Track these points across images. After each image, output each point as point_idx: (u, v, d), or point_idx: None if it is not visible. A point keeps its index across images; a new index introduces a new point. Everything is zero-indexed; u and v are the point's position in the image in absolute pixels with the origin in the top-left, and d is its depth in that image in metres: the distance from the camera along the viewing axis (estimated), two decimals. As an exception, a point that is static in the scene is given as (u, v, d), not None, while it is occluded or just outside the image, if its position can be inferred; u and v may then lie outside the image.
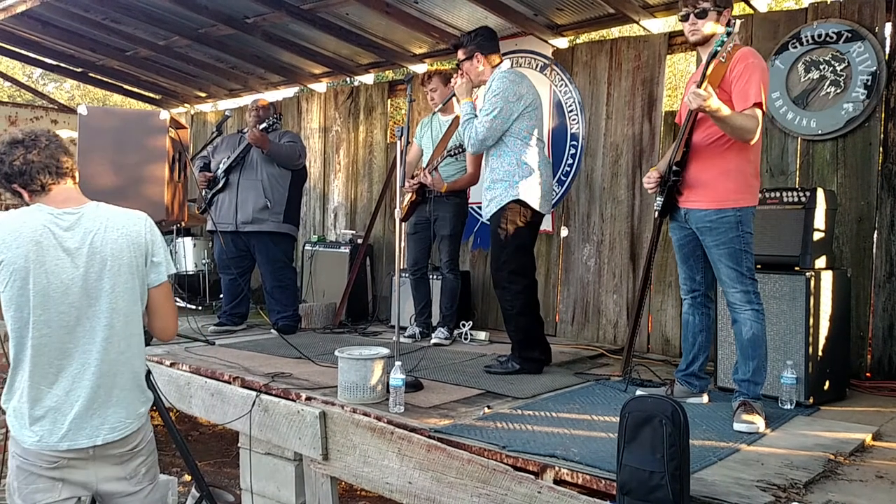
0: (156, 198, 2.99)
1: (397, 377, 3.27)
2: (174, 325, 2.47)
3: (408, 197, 5.15)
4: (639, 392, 3.63)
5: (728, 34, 2.89)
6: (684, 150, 3.15)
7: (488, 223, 5.88)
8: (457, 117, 4.94)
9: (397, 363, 3.32)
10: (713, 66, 3.02)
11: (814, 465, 2.67)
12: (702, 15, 3.13)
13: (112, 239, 2.22)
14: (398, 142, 3.84)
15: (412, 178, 5.09)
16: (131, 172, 2.97)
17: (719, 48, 2.91)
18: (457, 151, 4.84)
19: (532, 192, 4.04)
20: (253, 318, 5.99)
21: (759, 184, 3.27)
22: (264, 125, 5.25)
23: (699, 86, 2.92)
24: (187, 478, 4.96)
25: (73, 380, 2.17)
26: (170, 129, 3.06)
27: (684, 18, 3.22)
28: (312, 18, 5.75)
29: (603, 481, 2.49)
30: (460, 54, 4.17)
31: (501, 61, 4.19)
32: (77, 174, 2.33)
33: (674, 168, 3.18)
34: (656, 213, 3.38)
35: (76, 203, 2.25)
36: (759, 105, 3.00)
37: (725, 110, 2.93)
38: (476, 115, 4.07)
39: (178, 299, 7.11)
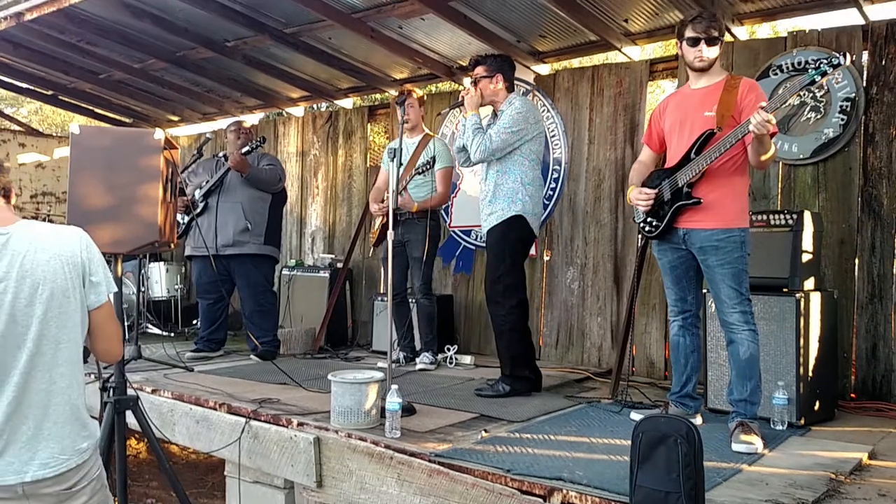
0: (149, 219, 2.90)
1: (394, 401, 3.21)
2: (118, 346, 2.30)
3: (379, 220, 5.16)
4: (633, 414, 3.63)
5: (835, 65, 2.83)
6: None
7: (472, 248, 5.93)
8: (425, 136, 5.04)
9: (394, 387, 3.26)
10: (707, 84, 3.09)
11: (817, 485, 2.68)
12: (712, 42, 3.17)
13: (43, 261, 2.00)
14: (391, 163, 3.84)
15: (382, 201, 5.08)
16: (124, 192, 2.89)
17: (818, 78, 2.83)
18: (424, 168, 4.84)
19: (531, 211, 4.14)
20: (229, 344, 5.87)
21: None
22: (246, 148, 5.20)
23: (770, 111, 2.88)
24: (162, 510, 4.82)
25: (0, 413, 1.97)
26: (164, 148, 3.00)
27: (693, 43, 3.19)
28: (295, 42, 5.73)
29: (613, 503, 2.46)
30: (481, 70, 4.23)
31: (513, 90, 4.32)
32: (12, 192, 2.14)
33: (686, 190, 3.19)
34: (652, 232, 3.37)
35: (4, 223, 2.02)
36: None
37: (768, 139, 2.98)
38: (482, 128, 4.13)
39: (149, 325, 6.96)
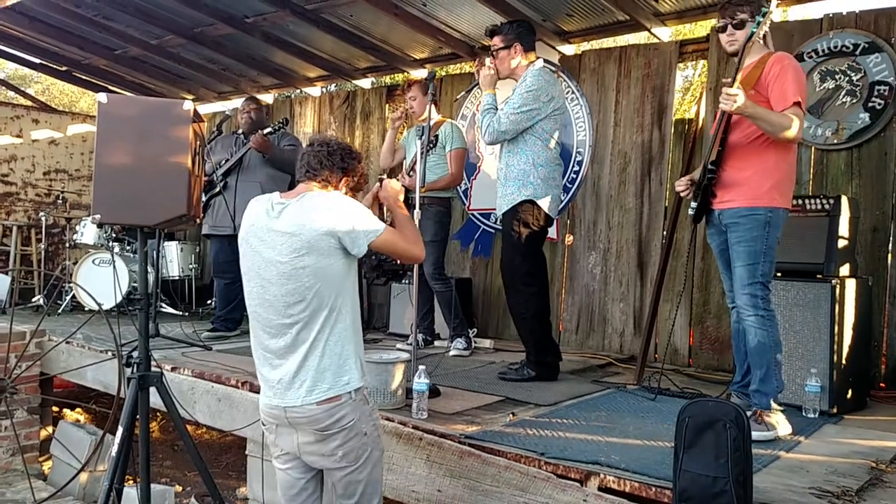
0: (178, 191, 2.82)
1: (421, 381, 3.16)
2: (412, 252, 2.51)
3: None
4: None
5: (763, 14, 2.87)
6: (719, 149, 3.09)
7: (491, 231, 5.86)
8: (436, 122, 4.85)
9: (421, 367, 3.21)
10: (748, 63, 3.02)
11: (859, 473, 2.63)
12: (740, 26, 3.07)
13: (299, 227, 2.28)
14: (417, 141, 3.76)
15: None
16: (153, 164, 2.82)
17: (755, 30, 2.88)
18: (427, 149, 4.73)
19: (543, 195, 3.95)
20: (244, 323, 5.81)
21: (794, 187, 3.21)
22: (268, 129, 5.12)
23: (731, 85, 2.87)
24: (178, 488, 4.79)
25: (272, 351, 2.34)
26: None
27: (721, 30, 3.16)
28: (316, 19, 5.64)
29: (653, 489, 2.41)
30: (497, 41, 4.00)
31: (537, 59, 4.05)
32: (346, 178, 2.50)
33: (708, 167, 3.12)
34: (691, 218, 3.30)
35: (295, 195, 2.37)
36: (798, 104, 2.95)
37: (759, 109, 2.89)
38: (496, 107, 3.98)
39: (163, 305, 6.88)
